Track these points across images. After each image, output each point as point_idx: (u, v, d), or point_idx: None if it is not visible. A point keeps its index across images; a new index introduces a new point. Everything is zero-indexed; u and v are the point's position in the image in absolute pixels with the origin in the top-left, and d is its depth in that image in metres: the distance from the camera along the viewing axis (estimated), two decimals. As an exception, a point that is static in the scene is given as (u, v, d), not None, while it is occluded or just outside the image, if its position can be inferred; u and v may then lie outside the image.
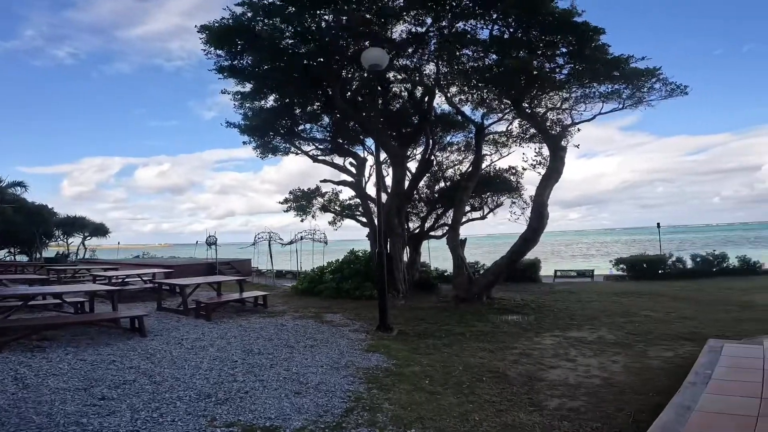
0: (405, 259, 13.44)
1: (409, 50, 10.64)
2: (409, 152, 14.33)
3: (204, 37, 9.98)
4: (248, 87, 11.77)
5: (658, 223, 18.40)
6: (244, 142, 13.46)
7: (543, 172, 10.75)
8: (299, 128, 13.73)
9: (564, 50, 9.04)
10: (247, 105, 12.50)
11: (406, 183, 13.14)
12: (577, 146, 11.32)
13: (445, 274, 14.69)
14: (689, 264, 13.72)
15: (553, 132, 10.53)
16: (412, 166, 13.86)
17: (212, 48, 10.21)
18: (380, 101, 11.64)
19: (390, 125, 13.00)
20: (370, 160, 13.83)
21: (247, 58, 10.58)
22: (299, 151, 14.21)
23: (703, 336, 5.58)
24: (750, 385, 3.50)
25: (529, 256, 13.89)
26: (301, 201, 15.95)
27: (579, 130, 10.98)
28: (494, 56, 9.62)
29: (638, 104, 9.87)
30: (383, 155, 13.68)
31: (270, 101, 12.32)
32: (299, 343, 6.21)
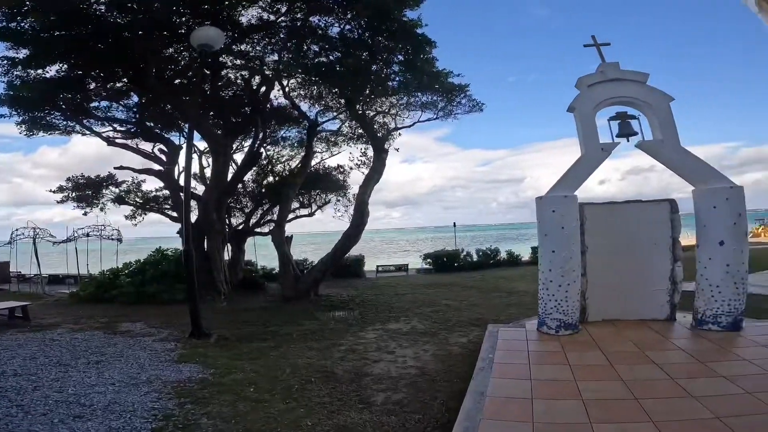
0: (227, 257, 12.47)
1: (256, 37, 9.82)
2: (236, 143, 13.30)
3: None
4: (22, 53, 9.14)
5: (454, 223, 22.32)
6: (2, 116, 10.25)
7: (366, 172, 11.44)
8: (91, 105, 11.20)
9: (401, 58, 9.76)
10: (17, 72, 9.64)
11: (230, 176, 12.16)
12: (398, 150, 12.47)
13: (274, 272, 14.21)
14: (475, 257, 16.79)
15: (379, 135, 11.33)
16: (240, 158, 12.96)
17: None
18: (208, 86, 10.46)
19: (217, 113, 11.81)
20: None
21: (29, 20, 8.23)
22: (89, 132, 11.57)
23: (485, 321, 6.70)
24: (521, 367, 4.31)
25: (355, 252, 14.65)
26: (86, 190, 12.99)
27: (400, 134, 12.14)
28: (338, 54, 9.73)
29: (449, 116, 11.25)
30: (204, 144, 12.34)
31: (52, 71, 9.71)
32: (78, 359, 5.11)
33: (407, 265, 16.84)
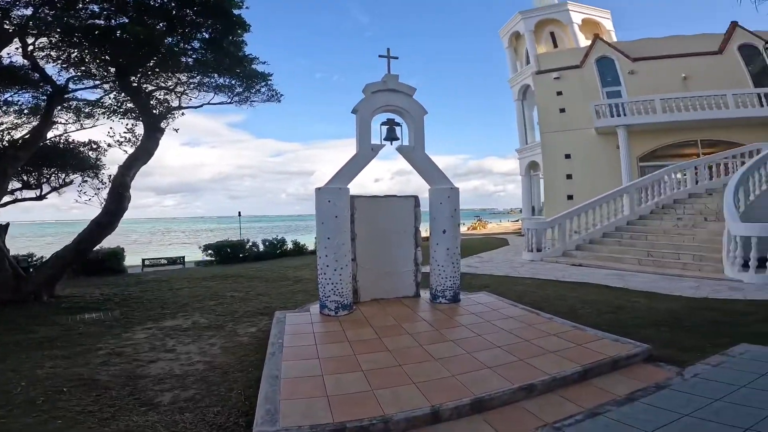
0: None
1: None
2: None
3: None
4: None
5: (239, 212, 21.46)
6: None
7: (131, 151, 9.88)
8: None
9: (206, 35, 8.67)
10: None
11: None
12: (177, 130, 11.13)
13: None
14: (261, 248, 16.67)
15: (155, 111, 9.86)
16: None
17: None
18: None
19: None
20: None
21: None
22: None
23: (273, 309, 6.86)
24: (309, 348, 4.71)
25: (112, 244, 12.27)
26: None
27: (183, 114, 10.88)
28: (125, 19, 7.95)
29: (244, 102, 10.67)
30: None
31: None
32: None
33: (184, 257, 15.24)
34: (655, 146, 17.99)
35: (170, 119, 10.47)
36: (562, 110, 20.06)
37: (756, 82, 16.95)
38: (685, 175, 13.77)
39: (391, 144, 6.82)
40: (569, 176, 19.72)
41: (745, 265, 8.36)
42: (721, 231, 9.46)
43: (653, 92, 17.39)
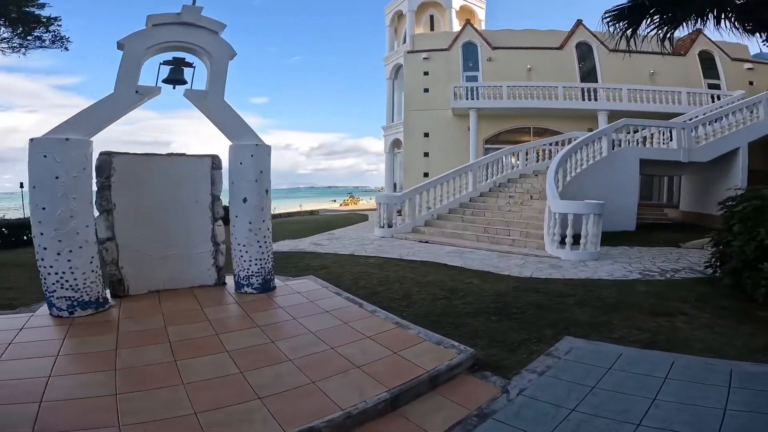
0: None
1: None
2: None
3: None
4: None
5: (21, 183, 16.14)
6: None
7: None
8: None
9: None
10: None
11: None
12: None
13: None
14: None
15: None
16: None
17: None
18: None
19: None
20: None
21: None
22: None
23: (20, 305, 4.74)
24: None
25: None
26: None
27: None
28: None
29: (17, 50, 8.87)
30: None
31: None
32: None
33: None
34: (499, 130, 19.33)
35: None
36: (426, 90, 20.33)
37: (582, 77, 19.51)
38: (518, 159, 14.87)
39: (174, 88, 5.21)
40: (426, 154, 20.09)
41: (563, 242, 8.91)
42: (544, 209, 10.06)
43: (504, 80, 18.53)
